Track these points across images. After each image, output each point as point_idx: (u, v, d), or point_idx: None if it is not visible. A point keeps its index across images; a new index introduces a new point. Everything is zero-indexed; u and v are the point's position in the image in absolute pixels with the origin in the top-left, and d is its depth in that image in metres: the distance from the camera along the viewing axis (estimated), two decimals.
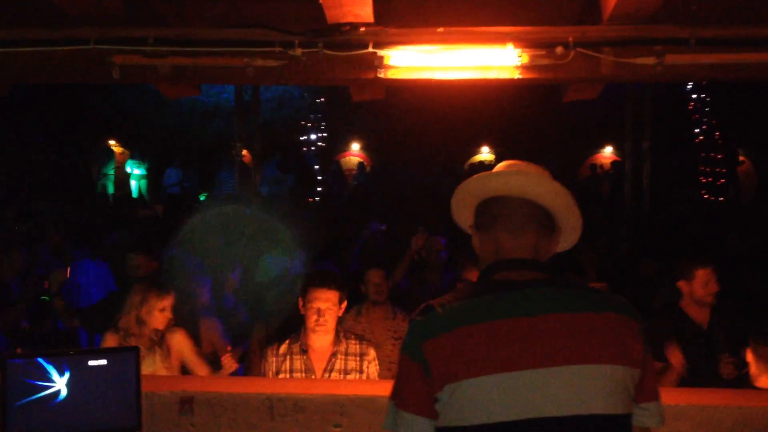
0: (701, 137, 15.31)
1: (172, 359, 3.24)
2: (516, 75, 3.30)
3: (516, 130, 14.59)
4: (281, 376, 2.98)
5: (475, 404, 1.35)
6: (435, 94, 11.68)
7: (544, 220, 1.54)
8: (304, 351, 3.01)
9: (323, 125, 16.62)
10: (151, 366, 3.15)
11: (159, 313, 3.19)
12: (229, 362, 3.32)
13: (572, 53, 3.20)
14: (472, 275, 3.45)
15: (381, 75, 3.32)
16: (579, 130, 15.08)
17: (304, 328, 3.03)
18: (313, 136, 16.51)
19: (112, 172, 16.49)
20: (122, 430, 2.34)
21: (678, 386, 3.25)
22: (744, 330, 3.31)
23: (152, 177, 16.91)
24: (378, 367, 3.14)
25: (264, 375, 3.02)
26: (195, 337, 3.53)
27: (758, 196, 14.40)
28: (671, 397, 2.45)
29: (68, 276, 4.13)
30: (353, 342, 3.10)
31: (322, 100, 16.47)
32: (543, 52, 3.24)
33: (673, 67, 3.25)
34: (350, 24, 3.17)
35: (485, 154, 17.03)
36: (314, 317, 2.95)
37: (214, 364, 3.39)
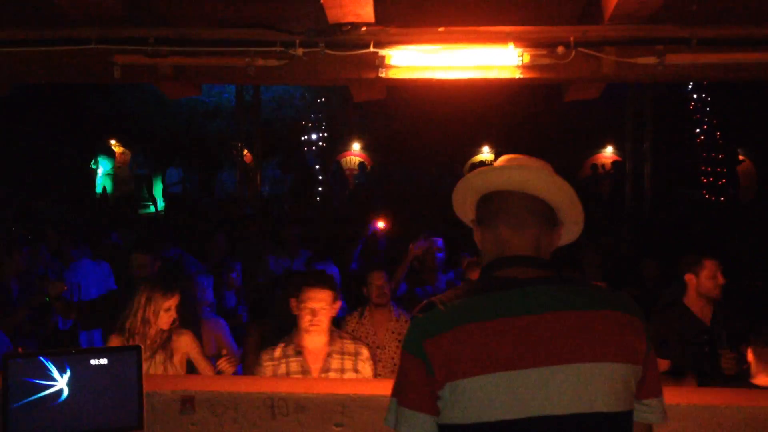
0: (702, 137, 15.30)
1: (175, 361, 3.23)
2: (517, 75, 3.29)
3: (516, 130, 14.59)
4: None
5: (476, 402, 1.35)
6: (435, 94, 11.69)
7: (546, 214, 1.53)
8: (299, 352, 3.00)
9: (324, 125, 16.63)
10: (154, 367, 3.14)
11: (164, 313, 3.17)
12: (225, 367, 3.31)
13: (573, 53, 3.20)
14: (476, 276, 3.43)
15: (382, 75, 3.32)
16: (579, 130, 15.08)
17: (298, 329, 3.02)
18: (313, 136, 16.52)
19: (110, 171, 16.51)
20: (123, 429, 2.34)
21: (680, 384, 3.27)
22: (745, 326, 3.32)
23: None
24: (372, 367, 3.13)
25: None
26: (198, 338, 3.52)
27: (759, 195, 14.40)
28: (672, 396, 2.45)
29: (66, 288, 4.14)
30: (348, 341, 3.09)
31: (323, 100, 16.48)
32: (544, 52, 3.24)
33: (674, 67, 3.25)
34: (351, 24, 3.17)
35: (485, 153, 17.04)
36: (308, 317, 2.94)
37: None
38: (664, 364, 3.39)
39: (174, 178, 15.56)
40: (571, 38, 3.20)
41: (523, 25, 3.26)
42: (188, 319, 3.50)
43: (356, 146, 17.58)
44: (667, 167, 14.03)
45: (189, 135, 16.49)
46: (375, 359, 3.59)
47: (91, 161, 15.97)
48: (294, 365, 2.98)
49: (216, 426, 2.59)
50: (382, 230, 6.28)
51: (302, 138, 16.48)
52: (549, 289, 1.44)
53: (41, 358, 2.28)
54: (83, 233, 7.33)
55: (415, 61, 3.32)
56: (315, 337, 2.99)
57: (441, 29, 3.25)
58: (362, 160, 17.11)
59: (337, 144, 17.25)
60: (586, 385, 1.36)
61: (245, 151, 13.17)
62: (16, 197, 11.45)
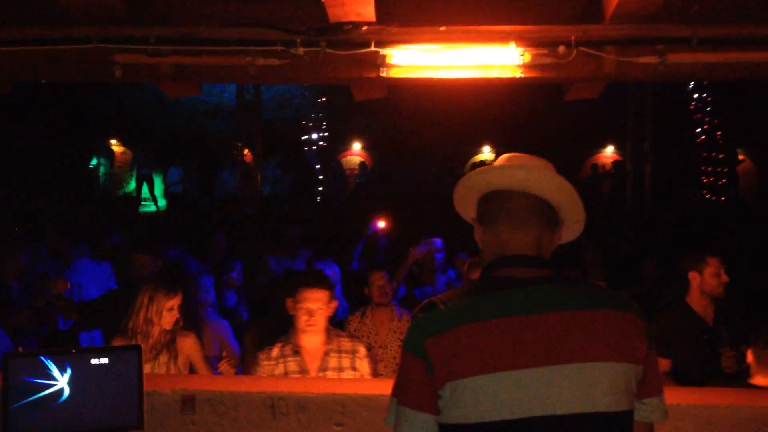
0: (702, 137, 15.30)
1: (179, 363, 3.22)
2: (518, 74, 3.30)
3: (517, 129, 14.59)
4: None
5: (477, 402, 1.35)
6: (436, 94, 11.69)
7: (546, 213, 1.53)
8: (297, 352, 3.00)
9: (324, 125, 16.63)
10: (157, 368, 3.14)
11: (167, 312, 3.16)
12: (225, 369, 3.31)
13: (574, 52, 3.20)
14: (477, 276, 3.43)
15: (383, 74, 3.32)
16: (580, 130, 15.08)
17: (294, 329, 3.01)
18: (314, 136, 16.52)
19: (108, 171, 16.52)
20: (124, 428, 2.33)
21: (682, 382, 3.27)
22: (745, 325, 3.32)
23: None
24: (370, 365, 3.13)
25: None
26: (199, 339, 3.52)
27: (759, 195, 14.39)
28: (675, 396, 2.45)
29: (69, 285, 4.14)
30: (344, 339, 3.09)
31: (323, 99, 16.47)
32: (545, 51, 3.24)
33: (675, 66, 3.25)
34: (352, 23, 3.16)
35: (486, 153, 17.03)
36: (305, 318, 2.94)
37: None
38: (665, 364, 3.39)
39: (174, 178, 15.56)
40: (572, 37, 3.20)
41: (524, 24, 3.26)
42: (189, 320, 3.50)
43: (357, 146, 17.57)
44: (668, 167, 14.04)
45: (189, 135, 16.49)
46: (376, 358, 3.60)
47: (91, 161, 15.99)
48: (292, 365, 2.98)
49: (216, 425, 2.58)
50: (382, 230, 6.29)
51: (303, 137, 16.48)
52: (550, 289, 1.44)
53: (42, 358, 2.28)
54: (84, 233, 7.32)
55: (416, 60, 3.32)
56: (312, 336, 2.99)
57: (442, 28, 3.24)
58: (363, 159, 17.10)
59: (338, 144, 17.25)
60: (587, 384, 1.36)
61: (246, 151, 13.18)
62: (16, 197, 11.46)
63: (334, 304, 3.07)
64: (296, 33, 3.24)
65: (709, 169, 14.85)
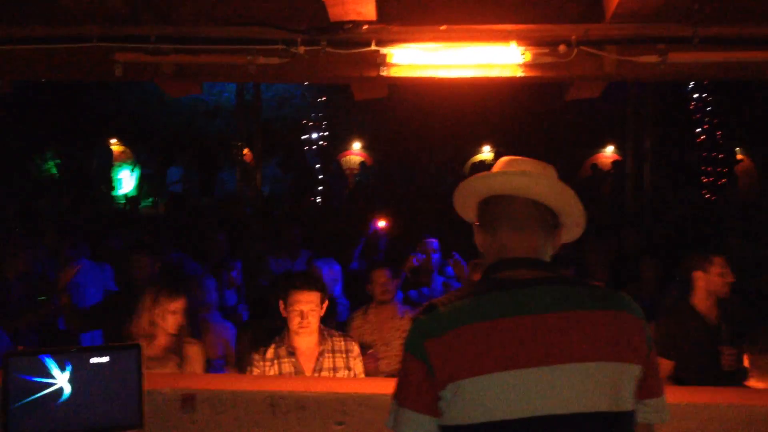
0: (703, 137, 15.29)
1: (186, 369, 3.19)
2: (519, 73, 3.29)
3: (517, 129, 14.59)
4: None
5: (478, 402, 1.35)
6: (437, 93, 11.69)
7: (547, 218, 1.54)
8: (292, 354, 3.00)
9: (324, 124, 16.62)
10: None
11: (171, 315, 3.14)
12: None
13: (575, 51, 3.20)
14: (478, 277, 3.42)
15: (383, 73, 3.32)
16: (580, 130, 15.08)
17: (288, 331, 3.01)
18: (314, 135, 16.51)
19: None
20: (124, 427, 2.33)
21: (683, 381, 3.27)
22: (746, 323, 3.32)
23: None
24: (364, 364, 3.13)
25: None
26: (203, 340, 3.52)
27: (760, 195, 14.38)
28: (676, 395, 2.44)
29: (78, 270, 4.11)
30: (337, 338, 3.10)
31: (324, 99, 16.47)
32: (546, 50, 3.23)
33: (677, 66, 3.24)
34: (353, 22, 3.16)
35: (486, 153, 17.01)
36: (297, 320, 2.94)
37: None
38: (668, 366, 3.38)
39: (175, 178, 15.55)
40: (573, 37, 3.19)
41: (524, 23, 3.25)
42: (193, 322, 3.48)
43: (357, 145, 17.56)
44: (668, 167, 14.03)
45: (189, 134, 16.49)
46: (377, 356, 3.60)
47: (91, 161, 15.97)
48: (287, 366, 2.99)
49: (216, 424, 2.58)
50: (382, 229, 6.29)
51: (303, 137, 16.47)
52: (550, 290, 1.44)
53: (42, 357, 2.28)
54: (84, 233, 7.31)
55: (417, 59, 3.31)
56: (305, 338, 3.00)
57: (443, 27, 3.24)
58: (363, 159, 17.09)
59: (338, 143, 17.24)
60: (588, 384, 1.36)
61: (245, 151, 13.16)
62: (16, 197, 11.45)
63: (326, 304, 3.07)
64: (297, 32, 3.24)
65: (709, 169, 14.85)
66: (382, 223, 6.27)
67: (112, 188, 16.11)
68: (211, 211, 12.01)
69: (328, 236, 7.71)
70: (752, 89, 11.72)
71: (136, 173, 16.97)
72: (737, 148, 14.97)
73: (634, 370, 1.41)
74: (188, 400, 2.59)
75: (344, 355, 3.05)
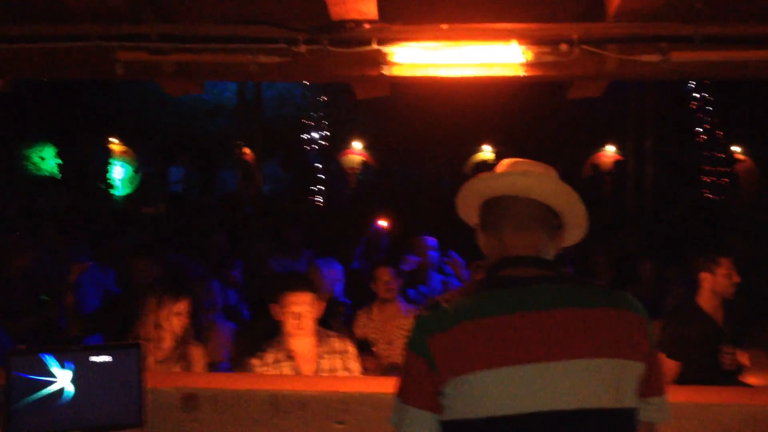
0: (704, 136, 15.28)
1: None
2: (520, 72, 3.29)
3: (518, 129, 14.58)
4: None
5: (480, 398, 1.36)
6: (438, 92, 11.67)
7: (549, 218, 1.55)
8: (291, 357, 2.99)
9: (325, 123, 16.62)
10: None
11: (175, 317, 3.12)
12: None
13: (577, 50, 3.19)
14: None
15: (385, 72, 3.32)
16: (581, 130, 15.05)
17: (284, 334, 3.00)
18: (315, 135, 16.50)
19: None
20: (125, 426, 2.33)
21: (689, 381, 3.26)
22: (746, 323, 3.32)
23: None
24: (360, 364, 3.12)
25: None
26: (207, 342, 3.51)
27: (761, 195, 14.37)
28: (676, 395, 2.44)
29: (88, 267, 4.11)
30: (334, 339, 3.09)
31: (324, 98, 16.46)
32: (547, 49, 3.23)
33: (678, 65, 3.24)
34: (354, 21, 3.16)
35: (487, 153, 16.99)
36: (292, 322, 2.93)
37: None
38: (674, 366, 3.37)
39: (176, 178, 15.54)
40: (575, 36, 3.19)
41: (526, 22, 3.25)
42: (197, 324, 3.47)
43: (358, 145, 17.55)
44: (669, 166, 14.02)
45: (190, 133, 16.48)
46: (379, 356, 3.60)
47: (91, 160, 15.95)
48: (286, 369, 2.97)
49: (218, 423, 2.58)
50: (383, 229, 6.29)
51: (303, 136, 16.47)
52: (553, 287, 1.45)
53: (43, 355, 2.28)
54: (84, 233, 7.29)
55: (419, 58, 3.31)
56: (302, 340, 2.99)
57: (444, 26, 3.24)
58: (364, 158, 17.08)
59: (339, 142, 17.23)
60: (591, 381, 1.37)
61: (246, 150, 13.16)
62: (17, 197, 11.45)
63: (322, 305, 3.06)
64: (298, 31, 3.24)
65: (710, 168, 14.83)
66: (383, 223, 6.28)
67: (112, 187, 16.09)
68: (212, 211, 12.01)
69: (329, 236, 7.71)
70: (753, 89, 11.70)
71: (137, 173, 16.96)
72: (738, 148, 14.93)
73: (637, 368, 1.41)
74: (189, 399, 2.59)
75: (341, 356, 3.04)
